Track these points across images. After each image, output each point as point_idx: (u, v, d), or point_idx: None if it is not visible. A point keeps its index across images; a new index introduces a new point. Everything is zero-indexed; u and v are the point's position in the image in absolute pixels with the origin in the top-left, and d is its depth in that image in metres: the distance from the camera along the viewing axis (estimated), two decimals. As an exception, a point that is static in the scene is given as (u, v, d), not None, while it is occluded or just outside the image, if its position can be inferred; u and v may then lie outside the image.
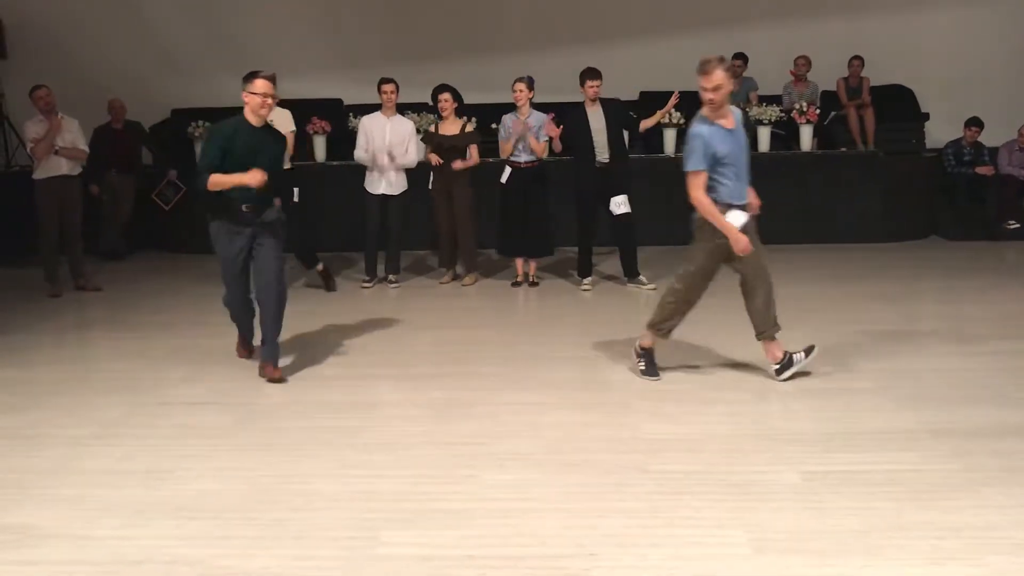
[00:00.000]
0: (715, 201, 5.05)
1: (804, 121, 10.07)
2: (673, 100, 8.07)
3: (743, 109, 10.35)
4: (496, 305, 7.69)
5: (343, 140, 10.20)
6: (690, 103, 9.99)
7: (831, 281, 8.17)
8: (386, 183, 8.15)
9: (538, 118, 7.91)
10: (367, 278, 8.38)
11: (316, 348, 6.31)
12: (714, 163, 5.05)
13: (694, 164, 5.05)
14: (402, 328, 6.88)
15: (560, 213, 8.31)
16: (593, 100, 7.76)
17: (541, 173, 8.06)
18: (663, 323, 5.43)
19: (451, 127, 8.18)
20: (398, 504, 3.86)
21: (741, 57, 10.77)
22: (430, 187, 8.28)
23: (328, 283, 8.26)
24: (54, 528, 3.71)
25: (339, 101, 11.01)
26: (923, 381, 5.31)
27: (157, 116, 11.06)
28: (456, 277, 8.50)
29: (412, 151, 8.15)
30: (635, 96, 10.47)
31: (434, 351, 6.28)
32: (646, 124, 8.13)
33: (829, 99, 10.91)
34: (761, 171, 10.01)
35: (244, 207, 5.35)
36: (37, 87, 8.01)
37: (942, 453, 4.24)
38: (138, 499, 3.96)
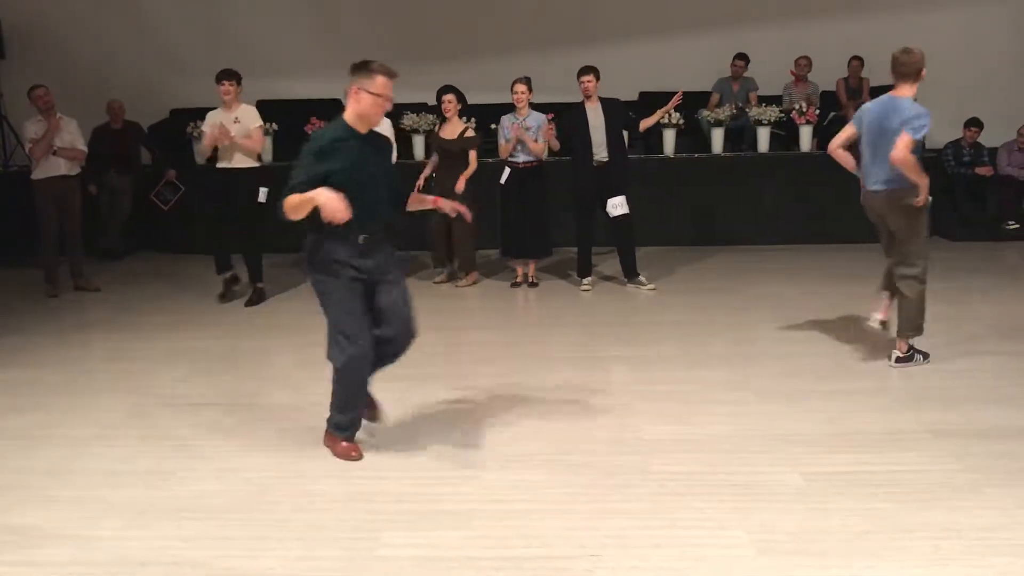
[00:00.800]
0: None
1: (804, 122, 10.07)
2: (675, 100, 8.04)
3: (744, 109, 10.38)
4: (496, 306, 7.68)
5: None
6: (691, 103, 10.04)
7: (830, 281, 8.17)
8: None
9: (537, 119, 7.91)
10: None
11: (316, 349, 6.29)
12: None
13: (919, 134, 5.21)
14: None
15: (559, 213, 8.31)
16: (589, 97, 7.77)
17: (540, 174, 8.05)
18: (920, 318, 5.50)
19: (452, 130, 8.16)
20: (400, 505, 3.86)
21: (742, 57, 10.77)
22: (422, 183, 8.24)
23: (227, 293, 7.80)
24: (56, 529, 3.71)
25: (338, 101, 10.99)
26: (925, 382, 5.31)
27: (156, 116, 11.05)
28: (453, 276, 8.48)
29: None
30: (635, 96, 10.48)
31: (434, 352, 6.27)
32: (646, 123, 8.12)
33: (829, 99, 10.92)
34: (760, 171, 10.16)
35: (361, 238, 4.18)
36: (35, 87, 8.00)
37: (944, 454, 4.24)
38: (140, 500, 3.96)
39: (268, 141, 9.46)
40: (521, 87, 7.85)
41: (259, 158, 7.60)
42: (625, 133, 8.21)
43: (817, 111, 10.23)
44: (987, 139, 10.46)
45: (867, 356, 5.81)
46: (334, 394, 4.38)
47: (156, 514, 3.82)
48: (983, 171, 10.33)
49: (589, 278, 8.12)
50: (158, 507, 3.88)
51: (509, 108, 8.03)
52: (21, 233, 9.22)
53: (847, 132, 5.69)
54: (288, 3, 11.71)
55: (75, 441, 4.67)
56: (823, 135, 10.66)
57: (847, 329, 6.44)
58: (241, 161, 7.43)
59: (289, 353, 6.23)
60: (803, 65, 10.79)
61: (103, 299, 8.16)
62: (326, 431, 4.47)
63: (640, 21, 11.48)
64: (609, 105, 7.85)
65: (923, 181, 5.24)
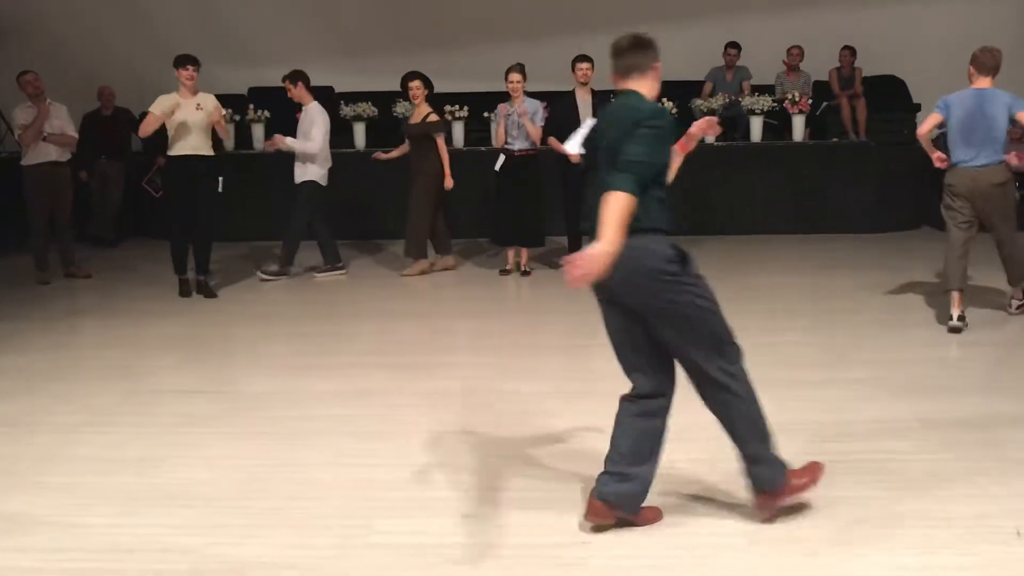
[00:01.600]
0: None
1: (796, 111, 10.08)
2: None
3: (737, 99, 10.36)
4: (487, 295, 7.68)
5: (334, 129, 10.17)
6: (684, 92, 10.03)
7: (823, 271, 8.18)
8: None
9: (532, 105, 7.91)
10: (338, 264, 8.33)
11: (306, 338, 6.29)
12: None
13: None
14: (390, 317, 6.87)
15: (553, 202, 8.29)
16: (584, 85, 7.78)
17: (536, 162, 8.04)
18: None
19: (417, 115, 8.15)
20: (393, 493, 3.85)
21: (735, 46, 10.76)
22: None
23: (184, 288, 7.62)
24: (46, 516, 3.69)
25: (330, 88, 10.96)
26: (916, 371, 5.32)
27: (147, 102, 10.92)
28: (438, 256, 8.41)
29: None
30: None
31: (425, 340, 6.28)
32: None
33: (822, 89, 10.92)
34: (753, 161, 10.17)
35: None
36: (24, 72, 7.95)
37: (935, 443, 4.25)
38: (131, 487, 3.94)
39: (231, 129, 9.45)
40: (516, 75, 7.86)
41: (222, 146, 7.50)
42: None
43: (810, 101, 10.24)
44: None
45: (858, 346, 5.82)
46: (745, 419, 3.45)
47: (146, 501, 3.80)
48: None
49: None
50: (148, 494, 3.87)
51: (504, 96, 8.02)
52: (12, 220, 9.17)
53: (935, 120, 6.27)
54: (280, -11, 11.66)
55: (65, 428, 4.65)
56: (816, 125, 10.70)
57: (839, 319, 6.45)
58: (203, 149, 7.31)
59: (280, 342, 6.22)
60: (796, 55, 10.78)
61: (94, 286, 8.14)
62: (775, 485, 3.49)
63: (633, 10, 11.43)
64: (601, 98, 7.85)
65: None
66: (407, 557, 3.34)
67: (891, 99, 11.08)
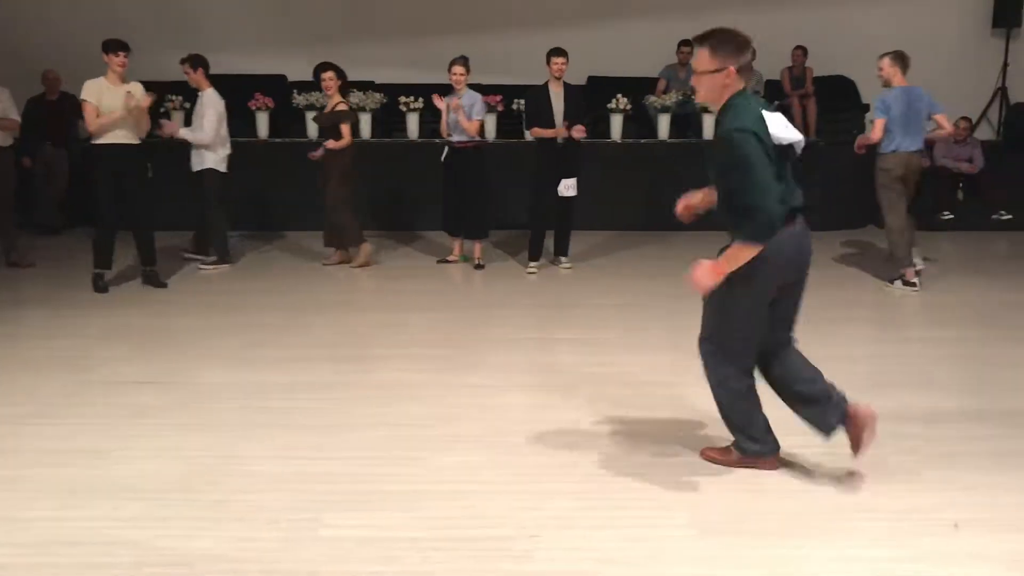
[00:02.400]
0: None
1: (748, 110, 10.17)
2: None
3: (690, 96, 10.44)
4: (440, 288, 7.66)
5: (286, 116, 10.07)
6: (638, 89, 10.07)
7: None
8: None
9: (470, 97, 7.89)
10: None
11: (257, 329, 6.23)
12: None
13: None
14: (343, 310, 6.83)
15: (506, 195, 8.30)
16: (558, 79, 7.78)
17: (479, 155, 8.03)
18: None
19: (329, 105, 8.15)
20: (342, 486, 3.84)
21: (687, 44, 10.84)
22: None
23: (100, 284, 7.33)
24: (-14, 509, 3.62)
25: (283, 77, 10.83)
26: (856, 367, 5.42)
27: (95, 88, 10.75)
28: (347, 260, 8.30)
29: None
30: (583, 80, 10.47)
31: (378, 333, 6.25)
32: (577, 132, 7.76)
33: (773, 88, 11.05)
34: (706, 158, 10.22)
35: None
36: (-35, 56, 7.73)
37: (877, 437, 4.33)
38: (75, 479, 3.88)
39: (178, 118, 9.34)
40: (459, 68, 7.86)
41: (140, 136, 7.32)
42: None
43: (762, 99, 10.35)
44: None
45: (800, 342, 5.90)
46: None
47: (92, 493, 3.75)
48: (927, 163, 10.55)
49: (537, 261, 8.12)
50: (94, 486, 3.81)
51: (448, 88, 8.02)
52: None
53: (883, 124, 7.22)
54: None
55: (10, 419, 4.56)
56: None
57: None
58: (130, 137, 7.13)
59: (228, 333, 6.14)
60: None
61: (38, 275, 7.97)
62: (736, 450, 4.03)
63: (590, 6, 11.50)
64: (570, 91, 7.87)
65: None
66: (355, 550, 3.33)
67: (841, 99, 11.26)
